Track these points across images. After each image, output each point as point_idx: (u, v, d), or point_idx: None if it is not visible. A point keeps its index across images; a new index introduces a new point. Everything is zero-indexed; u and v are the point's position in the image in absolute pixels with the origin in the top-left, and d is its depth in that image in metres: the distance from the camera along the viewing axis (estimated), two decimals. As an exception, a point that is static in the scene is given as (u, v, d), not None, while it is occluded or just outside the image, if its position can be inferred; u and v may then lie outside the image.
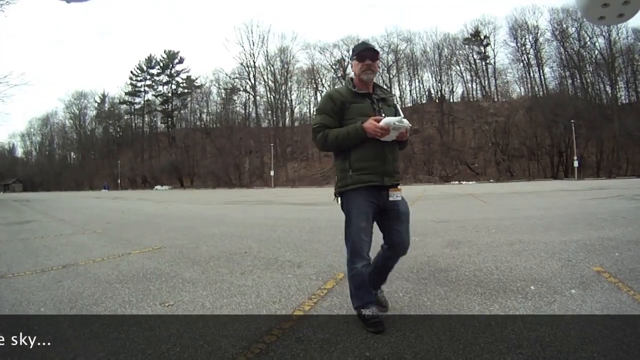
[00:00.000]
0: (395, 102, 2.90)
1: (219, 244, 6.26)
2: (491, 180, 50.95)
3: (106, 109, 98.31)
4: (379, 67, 2.81)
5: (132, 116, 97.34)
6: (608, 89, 60.41)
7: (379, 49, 2.81)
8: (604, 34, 58.24)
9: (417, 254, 4.92)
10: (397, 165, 2.75)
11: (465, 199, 16.22)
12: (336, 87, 2.90)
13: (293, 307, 3.14)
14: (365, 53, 2.68)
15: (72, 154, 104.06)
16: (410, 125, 2.58)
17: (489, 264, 4.31)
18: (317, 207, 14.13)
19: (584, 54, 61.85)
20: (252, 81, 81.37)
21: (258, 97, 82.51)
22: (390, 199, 2.71)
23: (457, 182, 50.75)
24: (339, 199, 2.80)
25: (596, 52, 60.90)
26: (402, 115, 2.65)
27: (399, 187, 2.76)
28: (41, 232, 8.75)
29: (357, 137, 2.56)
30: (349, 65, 3.67)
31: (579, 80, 63.14)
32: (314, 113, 2.70)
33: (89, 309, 3.25)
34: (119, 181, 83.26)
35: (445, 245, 5.44)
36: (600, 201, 12.29)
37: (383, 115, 2.64)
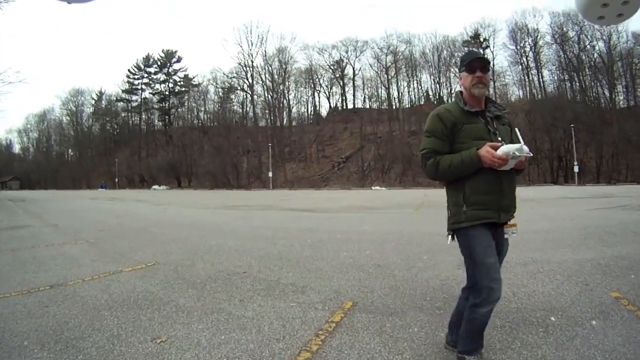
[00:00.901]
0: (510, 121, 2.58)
1: (216, 261, 5.91)
2: (491, 184, 50.58)
3: (103, 106, 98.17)
4: (489, 80, 2.46)
5: (130, 114, 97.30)
6: (607, 92, 60.35)
7: (485, 57, 2.44)
8: (604, 37, 58.23)
9: (429, 277, 4.68)
10: (515, 197, 2.40)
11: (467, 206, 15.84)
12: (444, 105, 2.53)
13: (299, 347, 2.83)
14: (475, 63, 2.37)
15: (70, 150, 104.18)
16: (531, 153, 2.23)
17: (506, 290, 4.00)
18: (318, 215, 13.81)
19: (583, 57, 61.73)
20: (250, 80, 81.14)
21: (256, 97, 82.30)
22: (505, 236, 2.41)
23: (456, 185, 50.35)
24: (453, 237, 2.47)
25: (595, 55, 60.84)
26: (521, 137, 2.35)
27: (514, 222, 2.41)
28: (32, 241, 8.49)
29: (472, 166, 2.25)
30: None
31: (577, 84, 63.07)
32: (425, 134, 2.44)
33: (74, 343, 2.97)
34: (116, 180, 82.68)
35: (457, 265, 5.12)
36: (607, 212, 12.04)
37: (500, 139, 2.32)
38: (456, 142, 2.34)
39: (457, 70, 70.93)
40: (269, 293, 4.21)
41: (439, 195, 27.47)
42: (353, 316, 3.45)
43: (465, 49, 72.80)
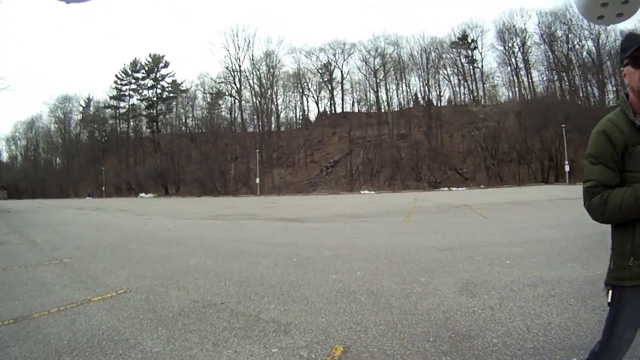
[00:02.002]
0: None
1: (192, 288, 5.33)
2: (481, 186, 50.40)
3: (91, 112, 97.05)
4: None
5: (117, 121, 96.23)
6: (596, 91, 60.59)
7: None
8: (592, 36, 58.58)
9: (430, 307, 4.10)
10: None
11: (462, 212, 15.43)
12: (609, 116, 1.81)
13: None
14: None
15: (58, 159, 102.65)
16: None
17: (518, 322, 3.51)
18: (305, 226, 13.22)
19: (572, 57, 62.03)
20: (238, 85, 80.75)
21: (244, 102, 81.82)
22: None
23: (446, 188, 50.12)
24: (610, 292, 1.77)
25: (585, 54, 61.30)
26: None
27: None
28: (6, 261, 8.02)
29: None
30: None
31: (567, 84, 63.31)
32: (588, 160, 1.44)
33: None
34: (103, 188, 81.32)
35: (460, 290, 4.61)
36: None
37: None
38: (625, 169, 1.72)
39: (446, 72, 71.49)
40: (247, 334, 3.61)
41: (428, 199, 27.25)
42: (344, 367, 2.89)
43: (454, 50, 73.29)
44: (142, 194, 72.71)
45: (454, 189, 47.65)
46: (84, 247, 9.69)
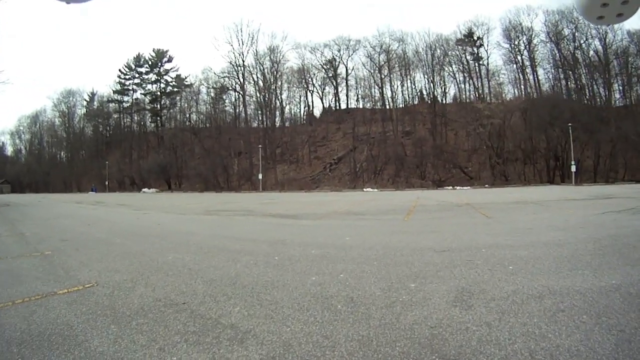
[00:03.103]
0: None
1: (159, 285, 5.01)
2: (486, 186, 49.67)
3: (95, 107, 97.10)
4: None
5: (121, 115, 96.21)
6: (602, 91, 59.80)
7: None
8: (600, 35, 57.77)
9: (415, 319, 3.48)
10: None
11: (464, 211, 14.75)
12: None
13: None
14: None
15: (62, 153, 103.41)
16: None
17: (520, 345, 2.89)
18: (299, 222, 12.74)
19: (579, 55, 61.26)
20: (241, 80, 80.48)
21: (247, 97, 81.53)
22: None
23: (450, 187, 49.37)
24: None
25: (591, 53, 60.56)
26: None
27: None
28: None
29: None
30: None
31: (573, 82, 62.52)
32: None
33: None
34: (106, 183, 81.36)
35: (453, 299, 3.98)
36: (617, 216, 10.93)
37: None
38: None
39: (451, 69, 70.95)
40: (199, 339, 3.19)
41: (430, 197, 26.62)
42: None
43: (459, 47, 72.56)
44: (145, 189, 72.62)
45: (458, 187, 46.93)
46: (69, 240, 9.60)
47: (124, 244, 8.72)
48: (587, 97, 61.29)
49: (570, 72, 62.74)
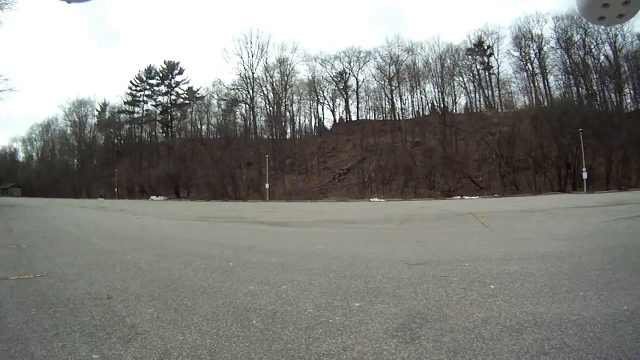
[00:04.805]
0: None
1: (100, 280, 5.09)
2: (495, 195, 48.21)
3: (107, 117, 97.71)
4: None
5: (132, 125, 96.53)
6: (613, 96, 58.36)
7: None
8: (610, 39, 56.42)
9: (330, 351, 2.67)
10: None
11: (463, 220, 13.67)
12: None
13: None
14: None
15: (75, 160, 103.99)
16: None
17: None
18: (282, 229, 12.25)
19: (589, 61, 59.94)
20: (251, 93, 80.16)
21: (257, 109, 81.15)
22: None
23: (459, 196, 47.99)
24: None
25: (602, 58, 59.34)
26: None
27: None
28: None
29: None
30: None
31: (584, 88, 61.15)
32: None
33: None
34: (116, 190, 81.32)
35: (396, 327, 3.06)
36: (629, 223, 9.87)
37: None
38: None
39: (462, 79, 70.19)
40: (92, 332, 3.15)
41: (434, 207, 25.40)
42: None
43: (469, 56, 71.55)
44: (153, 197, 72.39)
45: (466, 197, 45.54)
46: (50, 237, 10.07)
47: (98, 243, 8.98)
48: (598, 102, 59.80)
49: (581, 78, 61.40)
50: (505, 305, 3.46)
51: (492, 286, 4.18)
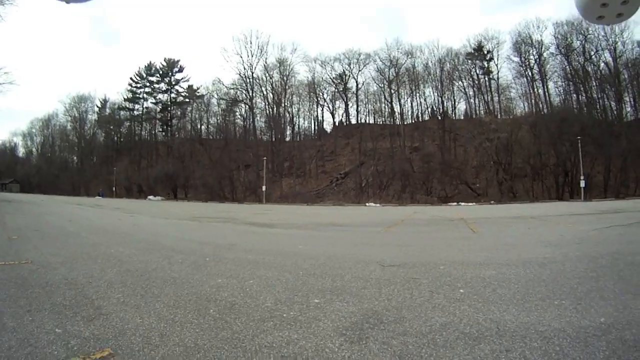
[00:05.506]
0: None
1: (79, 268, 5.36)
2: (492, 202, 47.92)
3: (107, 113, 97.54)
4: None
5: (132, 123, 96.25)
6: (613, 104, 58.17)
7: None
8: (609, 46, 56.27)
9: (272, 343, 2.67)
10: None
11: (452, 225, 13.50)
12: None
13: None
14: None
15: (75, 157, 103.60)
16: None
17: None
18: (269, 230, 12.16)
19: (589, 68, 59.75)
20: (251, 93, 79.83)
21: (256, 110, 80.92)
22: None
23: (455, 203, 47.72)
24: None
25: (602, 65, 58.98)
26: None
27: None
28: None
29: None
30: None
31: (583, 96, 60.99)
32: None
33: None
34: (114, 188, 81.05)
35: (347, 326, 2.98)
36: (622, 230, 9.61)
37: None
38: None
39: (461, 84, 70.03)
40: (61, 311, 3.44)
41: (428, 212, 25.05)
42: None
43: (469, 61, 71.43)
44: (151, 197, 72.07)
45: (463, 204, 45.29)
46: (41, 230, 10.41)
47: (87, 237, 9.20)
48: (598, 110, 59.43)
49: (581, 85, 61.09)
50: (469, 311, 3.28)
51: (461, 290, 4.01)
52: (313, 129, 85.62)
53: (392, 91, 74.56)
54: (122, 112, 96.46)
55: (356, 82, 79.67)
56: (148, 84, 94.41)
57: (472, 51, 71.02)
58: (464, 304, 3.49)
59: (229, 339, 2.79)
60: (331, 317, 3.21)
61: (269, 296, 3.95)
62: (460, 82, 72.08)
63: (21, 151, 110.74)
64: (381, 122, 76.86)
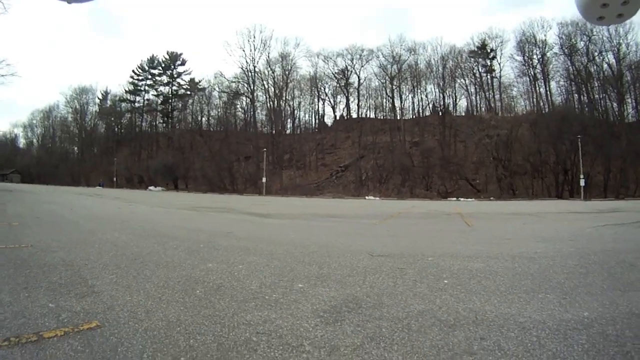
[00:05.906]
0: None
1: (76, 252, 5.50)
2: (491, 198, 47.93)
3: (108, 105, 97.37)
4: None
5: (133, 114, 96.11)
6: (615, 105, 57.97)
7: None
8: (613, 47, 56.06)
9: (250, 321, 2.77)
10: None
11: (448, 219, 13.59)
12: None
13: None
14: None
15: (75, 148, 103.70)
16: None
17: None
18: (265, 220, 12.21)
19: (592, 69, 59.53)
20: (252, 86, 79.63)
21: (258, 103, 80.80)
22: None
23: (455, 198, 47.72)
24: None
25: (605, 66, 58.76)
26: None
27: None
28: None
29: None
30: None
31: (585, 96, 60.77)
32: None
33: None
34: (114, 179, 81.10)
35: (326, 309, 3.08)
36: (618, 229, 9.59)
37: None
38: None
39: (463, 82, 69.75)
40: (56, 289, 3.61)
41: (425, 206, 25.08)
42: None
43: (472, 59, 71.12)
44: (151, 187, 72.20)
45: (462, 199, 45.25)
46: (41, 217, 10.58)
47: (84, 224, 9.32)
48: (599, 111, 59.32)
49: (583, 86, 60.99)
50: (450, 300, 3.30)
51: (445, 281, 4.04)
52: (314, 122, 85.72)
53: (394, 87, 74.43)
54: (123, 104, 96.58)
55: (358, 77, 79.60)
56: (150, 77, 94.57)
57: (476, 49, 70.84)
58: (445, 294, 3.51)
59: (210, 316, 2.93)
60: (311, 300, 3.30)
61: (255, 280, 4.06)
62: (462, 80, 71.98)
63: (22, 142, 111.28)
64: (382, 117, 76.80)
